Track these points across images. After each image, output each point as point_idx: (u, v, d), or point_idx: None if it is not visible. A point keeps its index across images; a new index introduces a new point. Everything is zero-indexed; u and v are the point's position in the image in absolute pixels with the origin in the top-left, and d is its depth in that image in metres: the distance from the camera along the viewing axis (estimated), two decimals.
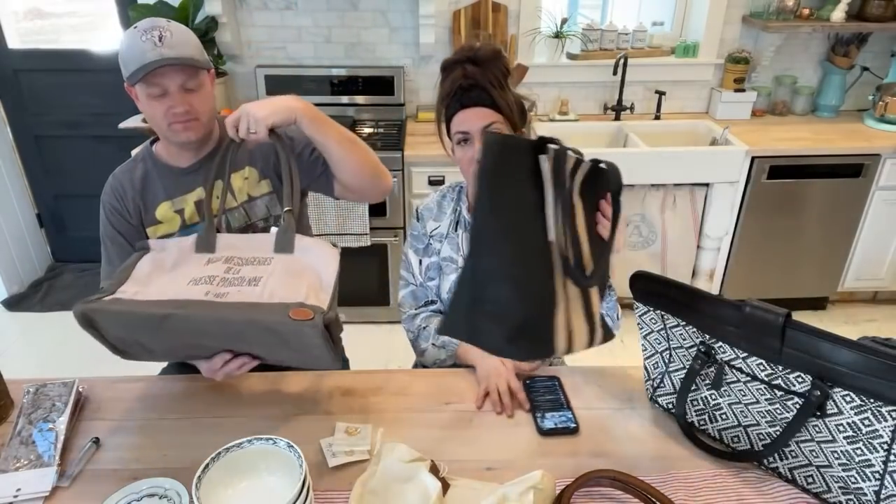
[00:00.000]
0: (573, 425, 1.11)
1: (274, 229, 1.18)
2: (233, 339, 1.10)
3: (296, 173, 1.21)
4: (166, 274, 1.12)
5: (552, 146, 0.87)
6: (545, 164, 0.85)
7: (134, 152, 1.46)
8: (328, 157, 1.34)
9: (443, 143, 1.35)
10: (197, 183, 1.36)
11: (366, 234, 2.70)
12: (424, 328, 1.41)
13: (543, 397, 1.19)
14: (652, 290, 1.10)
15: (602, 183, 0.94)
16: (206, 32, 2.78)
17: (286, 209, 1.16)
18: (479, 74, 1.22)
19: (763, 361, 0.95)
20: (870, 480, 0.88)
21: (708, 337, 1.02)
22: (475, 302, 0.83)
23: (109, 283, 1.09)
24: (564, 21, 2.98)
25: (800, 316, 0.89)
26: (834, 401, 0.88)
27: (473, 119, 1.23)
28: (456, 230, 1.39)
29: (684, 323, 1.06)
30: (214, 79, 1.36)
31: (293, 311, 1.00)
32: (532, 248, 0.84)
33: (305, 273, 1.10)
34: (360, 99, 3.03)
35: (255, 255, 1.14)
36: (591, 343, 0.93)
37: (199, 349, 1.15)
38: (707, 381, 1.05)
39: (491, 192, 0.83)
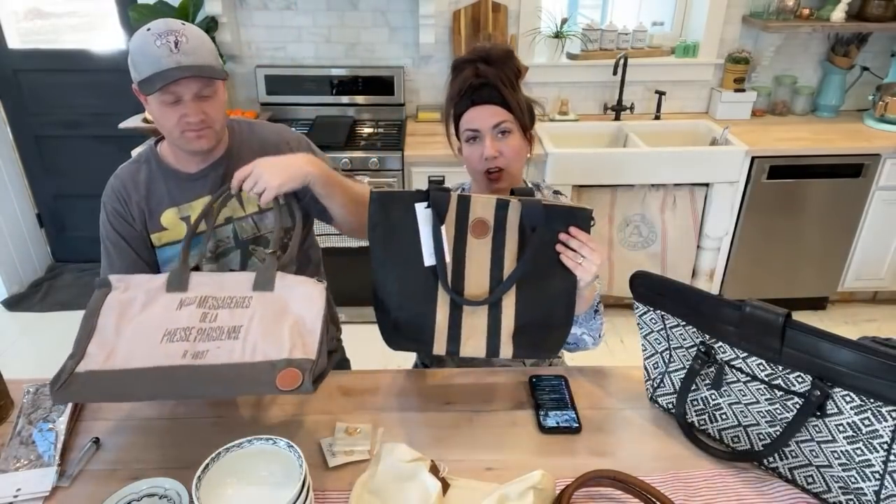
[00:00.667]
0: (576, 425, 1.11)
1: (252, 273, 1.12)
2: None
3: (296, 216, 1.23)
4: (134, 323, 1.04)
5: (439, 192, 1.08)
6: (420, 210, 1.07)
7: (135, 152, 1.44)
8: (329, 212, 1.33)
9: (449, 141, 1.34)
10: (204, 190, 1.32)
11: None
12: None
13: (548, 396, 1.19)
14: (652, 290, 1.10)
15: (559, 220, 1.08)
16: (206, 32, 2.76)
17: (270, 251, 1.14)
18: (492, 73, 1.22)
19: (763, 361, 0.95)
20: (870, 480, 0.88)
21: (708, 337, 1.02)
22: (376, 301, 1.14)
23: (75, 344, 1.02)
24: (564, 21, 2.98)
25: (800, 316, 0.89)
26: (834, 401, 0.88)
27: (484, 116, 1.23)
28: None
29: (684, 323, 1.06)
30: (225, 84, 1.33)
31: (280, 379, 0.95)
32: (410, 272, 1.09)
33: (287, 314, 1.05)
34: (360, 99, 3.03)
35: (232, 294, 1.08)
36: (489, 354, 1.10)
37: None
38: (707, 381, 1.05)
39: (382, 232, 1.10)
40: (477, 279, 1.09)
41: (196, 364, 0.98)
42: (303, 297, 1.07)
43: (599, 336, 1.30)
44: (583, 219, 1.07)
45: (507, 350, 1.10)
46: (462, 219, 1.08)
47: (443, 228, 1.08)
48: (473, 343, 1.10)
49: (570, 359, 1.52)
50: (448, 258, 1.08)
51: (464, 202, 1.07)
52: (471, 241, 1.08)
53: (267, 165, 1.16)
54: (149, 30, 1.18)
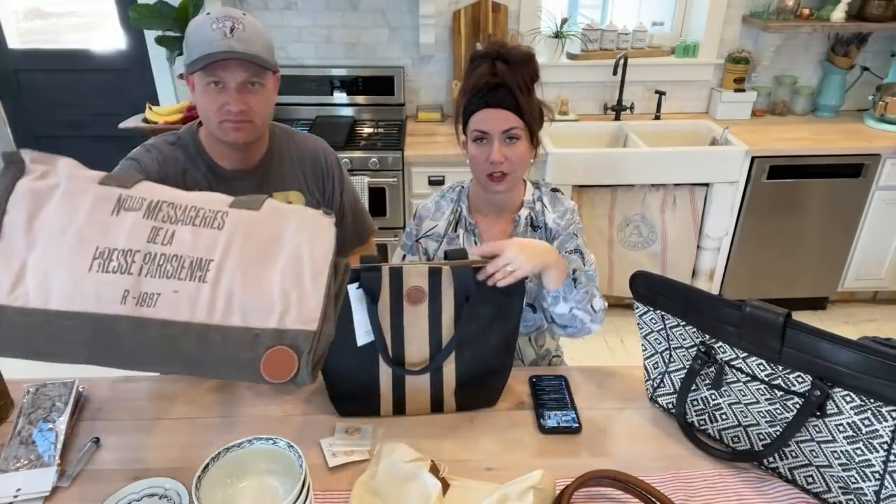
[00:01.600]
0: (576, 425, 1.11)
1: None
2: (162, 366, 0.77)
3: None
4: (50, 227, 0.74)
5: (369, 271, 1.06)
6: (352, 290, 1.06)
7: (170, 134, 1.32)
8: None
9: (457, 134, 1.34)
10: (242, 192, 1.27)
11: None
12: None
13: (548, 396, 1.19)
14: (652, 290, 1.10)
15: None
16: None
17: None
18: (509, 75, 1.20)
19: (763, 361, 0.95)
20: (870, 480, 0.88)
21: (708, 337, 1.02)
22: (324, 372, 1.12)
23: None
24: (564, 21, 2.98)
25: (800, 316, 0.89)
26: (834, 401, 0.88)
27: (496, 120, 1.22)
28: (455, 230, 1.39)
29: (684, 323, 1.06)
30: (278, 83, 1.30)
31: (267, 363, 0.71)
32: (352, 347, 1.09)
33: (280, 248, 0.76)
34: (360, 99, 3.03)
35: (198, 204, 0.78)
36: (433, 410, 1.14)
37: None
38: (707, 381, 1.05)
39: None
40: (417, 345, 1.11)
41: (141, 316, 0.71)
42: (302, 226, 0.79)
43: (595, 311, 1.25)
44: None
45: (450, 405, 1.15)
46: (397, 288, 1.08)
47: (379, 304, 1.08)
48: (417, 403, 1.14)
49: (570, 359, 1.52)
50: (387, 328, 1.09)
51: (396, 273, 1.08)
52: (407, 308, 1.09)
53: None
54: (208, 14, 1.17)
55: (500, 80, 1.21)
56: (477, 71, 1.23)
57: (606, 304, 1.29)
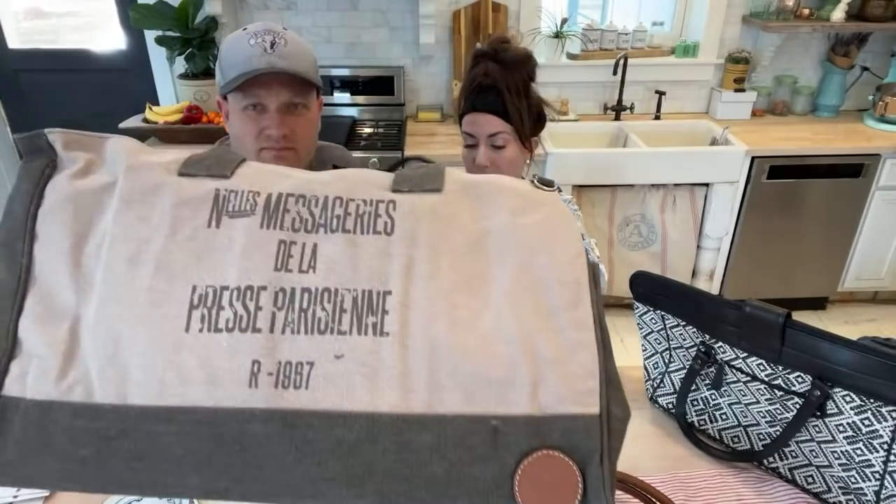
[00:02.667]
0: None
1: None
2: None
3: None
4: (113, 256, 0.45)
5: None
6: None
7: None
8: None
9: (461, 132, 1.32)
10: None
11: None
12: None
13: None
14: (652, 290, 1.10)
15: None
16: (206, 32, 2.78)
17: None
18: (500, 77, 1.18)
19: (763, 361, 0.95)
20: (870, 480, 0.88)
21: (708, 337, 1.02)
22: None
23: None
24: (564, 21, 2.98)
25: (800, 316, 0.89)
26: (834, 401, 0.88)
27: (481, 124, 1.21)
28: None
29: (684, 323, 1.06)
30: (321, 107, 1.17)
31: (524, 484, 0.40)
32: None
33: (495, 258, 0.46)
34: (360, 99, 3.03)
35: (345, 194, 0.47)
36: None
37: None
38: (707, 381, 1.05)
39: None
40: None
41: (288, 408, 0.42)
42: (519, 211, 0.48)
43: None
44: None
45: None
46: None
47: None
48: None
49: None
50: None
51: None
52: None
53: None
54: (245, 29, 1.06)
55: (490, 81, 1.18)
56: (474, 70, 1.22)
57: (606, 276, 1.28)
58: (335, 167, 1.33)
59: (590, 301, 0.45)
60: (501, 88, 1.18)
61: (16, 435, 0.42)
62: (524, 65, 1.21)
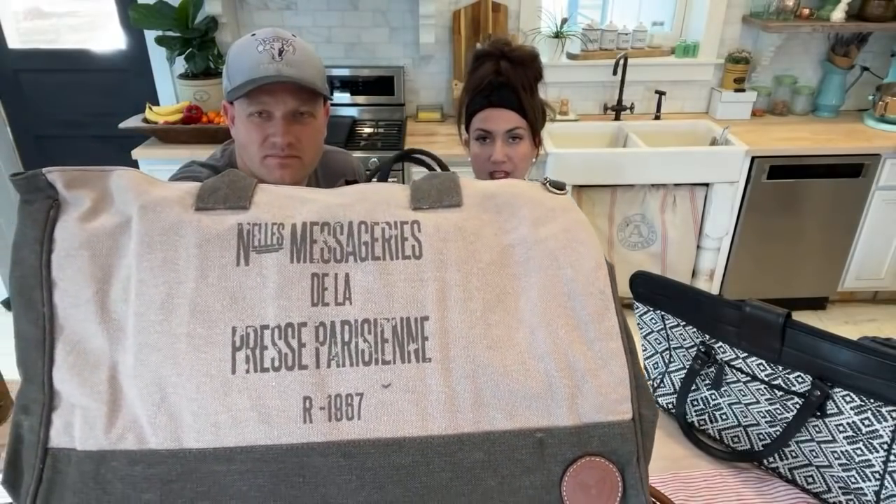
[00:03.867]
0: None
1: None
2: None
3: None
4: (140, 303, 0.44)
5: None
6: None
7: (203, 156, 1.18)
8: None
9: (459, 133, 1.34)
10: None
11: None
12: None
13: None
14: (652, 290, 1.10)
15: None
16: (206, 32, 2.78)
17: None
18: (513, 75, 1.20)
19: (763, 361, 0.95)
20: (870, 480, 0.88)
21: (708, 337, 1.02)
22: None
23: (21, 370, 0.44)
24: (564, 21, 2.98)
25: (800, 316, 0.89)
26: (834, 401, 0.88)
27: (498, 120, 1.22)
28: None
29: (684, 323, 1.06)
30: (328, 116, 1.16)
31: (571, 488, 0.43)
32: None
33: (521, 272, 0.48)
34: (360, 99, 3.03)
35: (368, 217, 0.48)
36: None
37: None
38: (707, 381, 1.05)
39: None
40: None
41: (343, 440, 0.43)
42: (540, 222, 0.50)
43: None
44: None
45: None
46: None
47: None
48: None
49: None
50: None
51: None
52: None
53: None
54: (254, 35, 1.04)
55: (504, 79, 1.20)
56: (481, 70, 1.23)
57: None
58: (340, 176, 1.32)
59: (615, 310, 0.49)
60: (516, 85, 1.20)
61: (72, 487, 0.42)
62: (534, 62, 1.24)
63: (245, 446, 0.42)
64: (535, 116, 1.25)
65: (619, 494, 0.43)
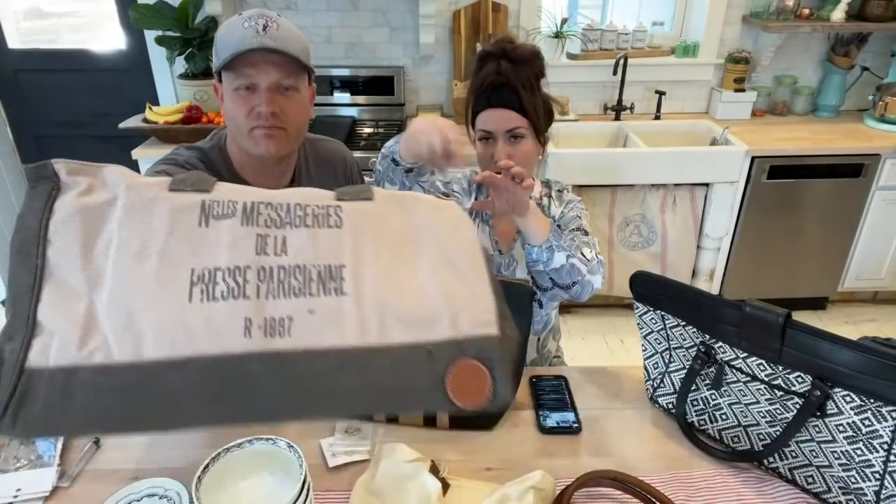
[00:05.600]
0: (576, 425, 1.11)
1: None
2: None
3: None
4: (121, 254, 0.55)
5: None
6: None
7: (191, 146, 1.21)
8: None
9: (467, 132, 1.33)
10: None
11: None
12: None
13: (548, 396, 1.19)
14: (652, 290, 1.10)
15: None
16: (206, 32, 2.78)
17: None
18: (512, 74, 1.20)
19: (763, 361, 0.95)
20: (870, 480, 0.88)
21: (708, 337, 1.02)
22: None
23: (8, 306, 0.54)
24: (564, 21, 2.98)
25: (800, 316, 0.89)
26: (834, 401, 0.88)
27: (499, 120, 1.23)
28: (474, 219, 1.38)
29: (684, 323, 1.06)
30: (314, 96, 1.22)
31: (453, 383, 0.57)
32: None
33: (417, 241, 0.63)
34: (360, 99, 3.03)
35: (301, 201, 0.62)
36: (426, 424, 1.10)
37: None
38: (707, 381, 1.05)
39: None
40: None
41: (278, 350, 0.54)
42: (430, 213, 0.66)
43: (588, 260, 1.24)
44: (521, 296, 1.05)
45: (444, 420, 1.12)
46: None
47: None
48: (409, 415, 1.12)
49: (570, 359, 1.52)
50: None
51: None
52: None
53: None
54: (240, 14, 1.09)
55: (504, 79, 1.21)
56: (483, 70, 1.23)
57: (600, 257, 1.27)
58: (331, 164, 1.35)
59: (486, 268, 0.64)
60: (515, 85, 1.21)
61: (42, 398, 0.51)
62: (534, 61, 1.24)
63: (195, 356, 0.52)
64: (536, 115, 1.25)
65: (490, 385, 0.59)
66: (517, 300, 1.06)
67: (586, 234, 1.33)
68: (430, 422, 1.11)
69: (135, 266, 0.55)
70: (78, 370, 0.51)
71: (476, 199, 1.38)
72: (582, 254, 1.24)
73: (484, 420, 1.12)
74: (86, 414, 0.51)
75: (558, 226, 1.35)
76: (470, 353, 0.58)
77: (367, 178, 2.63)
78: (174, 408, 0.53)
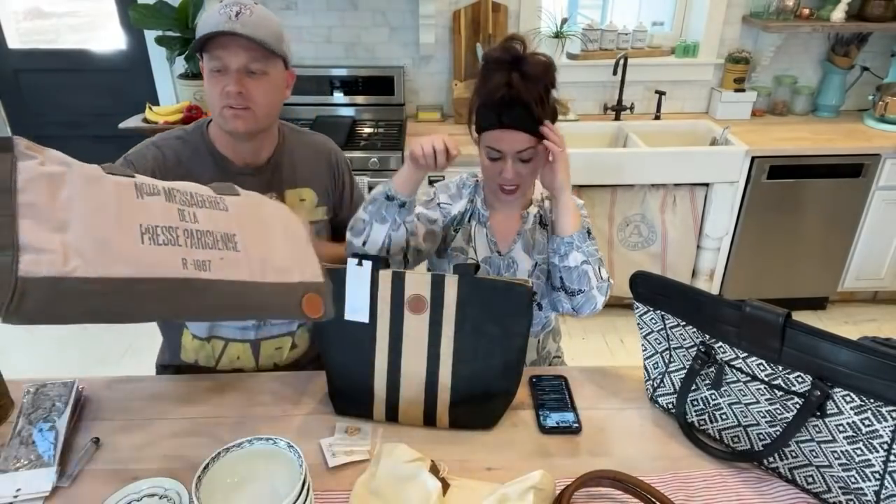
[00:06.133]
0: (576, 425, 1.11)
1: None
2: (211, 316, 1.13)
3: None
4: (85, 205, 0.74)
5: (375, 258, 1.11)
6: (352, 266, 1.09)
7: (181, 128, 1.34)
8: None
9: (470, 133, 1.31)
10: (250, 189, 1.26)
11: None
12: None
13: (548, 396, 1.19)
14: (652, 290, 1.10)
15: (496, 296, 1.08)
16: None
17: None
18: (524, 90, 1.16)
19: (763, 361, 0.95)
20: (870, 480, 0.88)
21: (708, 337, 1.02)
22: (325, 368, 1.16)
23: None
24: (564, 21, 2.98)
25: (800, 316, 0.89)
26: (834, 401, 0.88)
27: (510, 142, 1.20)
28: (469, 221, 1.38)
29: (684, 323, 1.06)
30: (292, 81, 1.28)
31: (305, 304, 0.92)
32: (349, 343, 1.12)
33: (272, 224, 0.97)
34: (360, 99, 3.03)
35: (198, 192, 0.90)
36: (426, 423, 1.12)
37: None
38: (707, 381, 1.05)
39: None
40: (414, 355, 1.09)
41: (205, 278, 0.81)
42: (274, 208, 1.02)
43: (603, 279, 1.26)
44: (521, 295, 1.06)
45: (443, 421, 1.11)
46: (398, 294, 1.08)
47: (379, 310, 1.09)
48: (411, 413, 1.12)
49: (570, 359, 1.52)
50: (385, 335, 1.10)
51: (398, 278, 1.08)
52: (408, 316, 1.08)
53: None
54: (221, 1, 1.17)
55: (515, 94, 1.16)
56: (492, 80, 1.18)
57: (610, 281, 1.28)
58: (314, 157, 1.39)
59: (311, 244, 1.03)
60: (528, 101, 1.17)
61: (35, 297, 0.67)
62: (546, 74, 1.20)
63: (152, 277, 0.76)
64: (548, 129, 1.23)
65: (323, 309, 0.96)
66: (517, 300, 1.06)
67: (588, 234, 1.32)
68: (430, 421, 1.11)
69: (98, 216, 0.75)
70: (64, 279, 0.69)
71: (471, 201, 1.39)
72: (599, 269, 1.26)
73: (483, 420, 1.12)
74: (73, 309, 0.70)
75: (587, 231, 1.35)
76: (313, 290, 0.95)
77: (368, 181, 2.62)
78: (141, 306, 0.76)
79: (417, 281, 1.08)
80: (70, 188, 0.74)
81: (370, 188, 2.60)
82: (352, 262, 1.08)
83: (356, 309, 1.09)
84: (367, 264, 1.08)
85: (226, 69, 1.16)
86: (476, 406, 1.11)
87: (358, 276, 1.08)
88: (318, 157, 1.39)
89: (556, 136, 1.20)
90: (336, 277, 1.08)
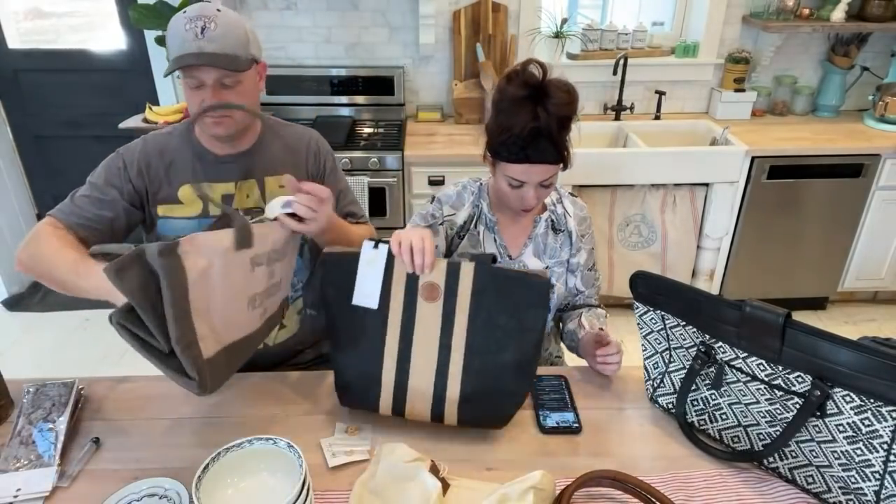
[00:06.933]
0: (576, 425, 1.11)
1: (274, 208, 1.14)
2: None
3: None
4: (220, 292, 0.98)
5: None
6: (367, 248, 1.08)
7: (170, 126, 1.41)
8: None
9: (483, 156, 1.31)
10: (230, 175, 1.32)
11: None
12: None
13: (548, 396, 1.19)
14: (652, 290, 1.10)
15: (513, 287, 1.05)
16: None
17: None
18: (549, 123, 1.17)
19: (763, 361, 0.95)
20: (870, 480, 0.88)
21: (708, 337, 1.02)
22: (332, 358, 1.14)
23: (175, 326, 0.89)
24: (564, 21, 2.98)
25: (800, 316, 0.89)
26: (834, 401, 0.88)
27: (535, 174, 1.22)
28: (476, 226, 1.38)
29: (684, 323, 1.06)
30: (265, 70, 1.31)
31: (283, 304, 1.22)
32: (359, 334, 1.10)
33: (287, 251, 1.18)
34: (359, 99, 3.03)
35: (276, 247, 1.12)
36: (433, 419, 1.09)
37: None
38: (707, 381, 1.05)
39: (334, 292, 1.11)
40: (425, 344, 1.07)
41: (265, 321, 1.13)
42: (279, 233, 1.15)
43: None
44: (539, 286, 1.04)
45: (451, 418, 1.08)
46: (412, 280, 1.07)
47: (392, 297, 1.08)
48: (419, 407, 1.09)
49: (570, 359, 1.52)
50: (396, 322, 1.08)
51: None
52: (421, 303, 1.07)
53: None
54: (185, 12, 1.18)
55: (540, 127, 1.16)
56: (516, 116, 1.18)
57: (607, 314, 1.33)
58: (295, 149, 1.40)
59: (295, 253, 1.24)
60: (554, 134, 1.18)
61: (210, 371, 0.95)
62: (571, 106, 1.21)
63: (251, 334, 1.10)
64: (568, 153, 1.26)
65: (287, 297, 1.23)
66: (537, 290, 1.04)
67: (596, 271, 1.42)
68: (437, 418, 1.09)
69: (229, 300, 1.00)
70: (222, 351, 0.98)
71: (475, 206, 1.39)
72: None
73: (493, 419, 1.10)
74: (228, 367, 1.01)
75: (574, 248, 1.40)
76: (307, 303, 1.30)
77: (368, 181, 2.61)
78: (244, 355, 1.08)
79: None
80: (213, 278, 0.97)
81: (371, 189, 2.61)
82: (367, 244, 1.07)
83: (365, 294, 1.08)
84: (384, 248, 1.07)
85: (202, 84, 1.19)
86: (486, 404, 1.07)
87: (371, 261, 1.07)
88: (297, 143, 1.40)
89: (616, 359, 1.23)
90: (347, 264, 1.08)
